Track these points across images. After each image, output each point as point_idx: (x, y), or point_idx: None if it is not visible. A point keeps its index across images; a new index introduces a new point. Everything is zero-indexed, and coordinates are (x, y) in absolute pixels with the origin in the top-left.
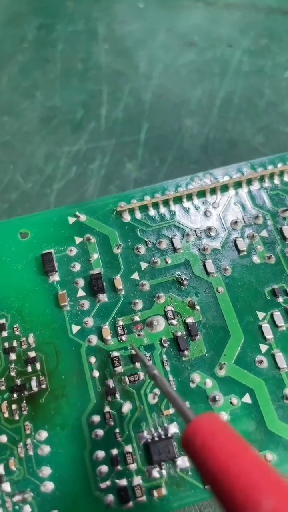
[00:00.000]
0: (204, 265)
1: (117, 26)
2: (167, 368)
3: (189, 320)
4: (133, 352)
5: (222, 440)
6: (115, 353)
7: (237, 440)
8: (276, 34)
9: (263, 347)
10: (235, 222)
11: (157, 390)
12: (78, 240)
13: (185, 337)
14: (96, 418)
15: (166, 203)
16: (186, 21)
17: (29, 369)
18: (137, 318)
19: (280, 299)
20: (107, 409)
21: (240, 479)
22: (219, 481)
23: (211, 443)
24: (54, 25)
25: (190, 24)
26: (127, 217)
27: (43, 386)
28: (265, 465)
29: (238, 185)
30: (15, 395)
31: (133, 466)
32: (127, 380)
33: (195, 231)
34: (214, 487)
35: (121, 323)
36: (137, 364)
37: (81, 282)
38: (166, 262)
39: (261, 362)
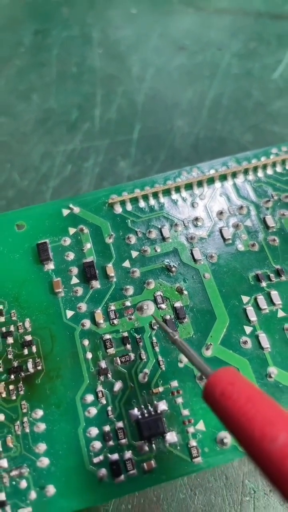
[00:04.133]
0: (192, 253)
1: (110, 31)
2: (157, 349)
3: (177, 304)
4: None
5: (239, 388)
6: (107, 336)
7: (253, 387)
8: (265, 37)
9: (248, 329)
10: (221, 213)
11: (147, 370)
12: (72, 231)
13: (173, 320)
14: (89, 397)
15: (155, 195)
16: (177, 26)
17: (26, 352)
18: (128, 303)
19: (263, 284)
20: (99, 388)
21: (257, 418)
22: (238, 422)
23: (230, 391)
24: (49, 31)
25: (182, 29)
26: (118, 209)
27: (39, 368)
28: (278, 406)
29: (223, 178)
30: (12, 376)
31: (124, 442)
32: (118, 361)
33: (183, 221)
34: (234, 428)
35: (113, 307)
36: (128, 346)
37: (74, 270)
38: (156, 251)
39: (245, 342)
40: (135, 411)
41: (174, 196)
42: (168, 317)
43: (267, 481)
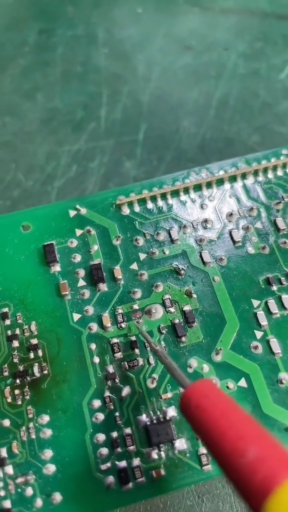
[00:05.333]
0: (201, 256)
1: (116, 31)
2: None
3: (186, 308)
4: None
5: (214, 401)
6: (115, 340)
7: (228, 400)
8: (271, 37)
9: (258, 334)
10: (230, 214)
11: (155, 375)
12: (78, 232)
13: (182, 324)
14: (97, 402)
15: (163, 196)
16: (183, 26)
17: (32, 355)
18: (136, 307)
19: (274, 288)
20: (107, 393)
21: (228, 432)
22: (211, 435)
23: (205, 404)
24: (54, 30)
25: (187, 28)
26: (126, 210)
27: (45, 372)
28: (251, 420)
29: (233, 179)
30: (17, 381)
31: (132, 448)
32: (126, 365)
33: (191, 223)
34: (207, 441)
35: (120, 311)
36: (137, 350)
37: (81, 272)
38: (164, 253)
39: (256, 347)
40: (144, 417)
41: (183, 197)
42: (177, 321)
43: (237, 494)
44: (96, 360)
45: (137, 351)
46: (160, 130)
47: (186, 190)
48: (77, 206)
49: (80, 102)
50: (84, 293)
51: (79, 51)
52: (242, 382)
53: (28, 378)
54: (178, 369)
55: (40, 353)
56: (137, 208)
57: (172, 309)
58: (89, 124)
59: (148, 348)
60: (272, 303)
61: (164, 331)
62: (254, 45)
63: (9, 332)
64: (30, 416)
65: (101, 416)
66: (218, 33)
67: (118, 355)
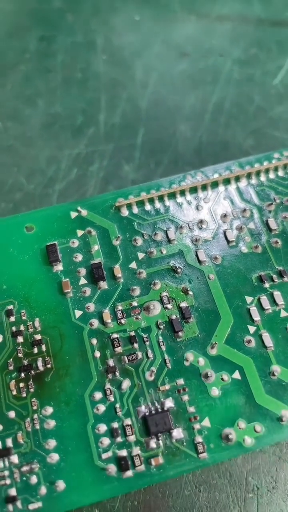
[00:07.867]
0: (197, 255)
1: (114, 38)
2: (163, 348)
3: (183, 304)
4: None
5: None
6: (115, 335)
7: None
8: (265, 44)
9: (251, 328)
10: (225, 215)
11: (154, 368)
12: (80, 233)
13: (179, 320)
14: (98, 395)
15: (161, 198)
16: (180, 33)
17: (35, 350)
18: (135, 303)
19: (267, 285)
20: (107, 386)
21: None
22: None
23: None
24: (54, 37)
25: (184, 35)
26: (125, 212)
27: (49, 366)
28: None
29: (227, 181)
30: (22, 375)
31: (132, 438)
32: (126, 359)
33: (187, 224)
34: None
35: (120, 307)
36: (136, 345)
37: (83, 271)
38: (161, 252)
39: (249, 341)
40: (143, 408)
41: (179, 199)
42: (174, 317)
43: None
44: (97, 354)
45: (136, 345)
46: (158, 134)
47: (182, 193)
48: (78, 208)
49: (80, 107)
50: (85, 290)
51: (79, 58)
52: (236, 375)
53: (32, 372)
54: None
55: (43, 348)
56: (135, 210)
57: (169, 306)
58: (88, 128)
59: (147, 343)
60: (265, 300)
61: (162, 327)
62: (249, 51)
63: (14, 328)
64: (35, 408)
65: (102, 408)
66: (214, 40)
67: (118, 349)
